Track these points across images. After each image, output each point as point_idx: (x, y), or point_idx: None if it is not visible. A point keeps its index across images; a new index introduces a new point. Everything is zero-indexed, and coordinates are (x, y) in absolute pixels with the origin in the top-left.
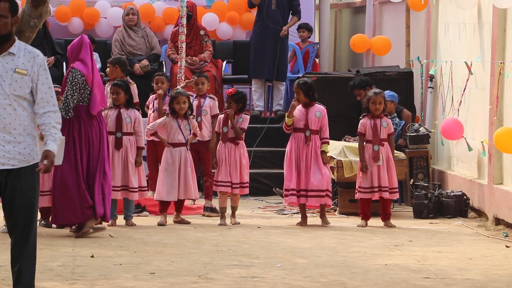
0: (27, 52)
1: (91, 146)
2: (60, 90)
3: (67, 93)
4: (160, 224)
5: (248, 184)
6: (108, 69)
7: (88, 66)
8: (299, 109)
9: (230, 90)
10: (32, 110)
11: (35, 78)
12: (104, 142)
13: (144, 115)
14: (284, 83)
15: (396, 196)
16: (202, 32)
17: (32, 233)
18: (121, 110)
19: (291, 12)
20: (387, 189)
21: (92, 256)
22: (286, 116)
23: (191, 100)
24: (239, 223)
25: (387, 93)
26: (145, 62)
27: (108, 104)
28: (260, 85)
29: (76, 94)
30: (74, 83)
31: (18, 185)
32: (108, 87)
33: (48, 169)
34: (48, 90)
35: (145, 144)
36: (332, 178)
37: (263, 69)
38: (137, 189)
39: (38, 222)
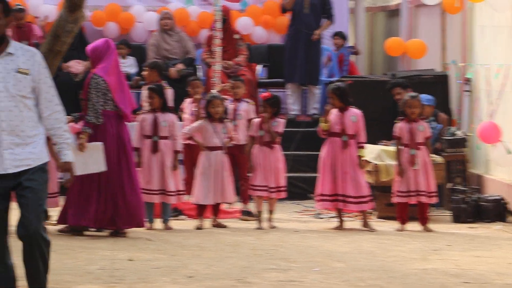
0: (25, 51)
1: (111, 151)
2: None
3: (93, 100)
4: (198, 228)
5: (285, 188)
6: (145, 72)
7: (111, 71)
8: (334, 114)
9: (265, 94)
10: (36, 109)
11: (36, 77)
12: (127, 148)
13: (179, 119)
14: (319, 87)
15: (435, 200)
16: (236, 36)
17: (41, 231)
18: (157, 114)
19: (324, 15)
20: (425, 193)
21: (131, 260)
22: (321, 121)
23: (227, 104)
24: (276, 227)
25: (425, 97)
26: (180, 66)
27: (145, 108)
28: (295, 89)
29: (101, 100)
30: (98, 89)
31: (29, 184)
32: (144, 91)
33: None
34: (49, 89)
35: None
36: (369, 182)
37: (296, 73)
38: (174, 193)
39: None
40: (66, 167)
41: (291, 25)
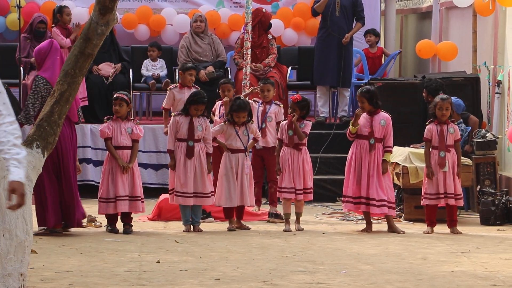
0: None
1: (67, 152)
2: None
3: (28, 101)
4: (230, 230)
5: (312, 190)
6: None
7: (57, 72)
8: (364, 117)
9: (295, 96)
10: None
11: None
12: (75, 149)
13: (210, 121)
14: (348, 89)
15: (461, 203)
16: (269, 36)
17: None
18: (193, 118)
19: (355, 18)
20: (453, 195)
21: (158, 262)
22: (350, 124)
23: (257, 106)
24: (303, 229)
25: (455, 101)
26: (210, 68)
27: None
28: (325, 92)
29: (37, 102)
30: (36, 91)
31: None
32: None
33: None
34: None
35: None
36: (397, 184)
37: (327, 76)
38: (209, 195)
39: (105, 228)
40: (12, 187)
41: (321, 28)
